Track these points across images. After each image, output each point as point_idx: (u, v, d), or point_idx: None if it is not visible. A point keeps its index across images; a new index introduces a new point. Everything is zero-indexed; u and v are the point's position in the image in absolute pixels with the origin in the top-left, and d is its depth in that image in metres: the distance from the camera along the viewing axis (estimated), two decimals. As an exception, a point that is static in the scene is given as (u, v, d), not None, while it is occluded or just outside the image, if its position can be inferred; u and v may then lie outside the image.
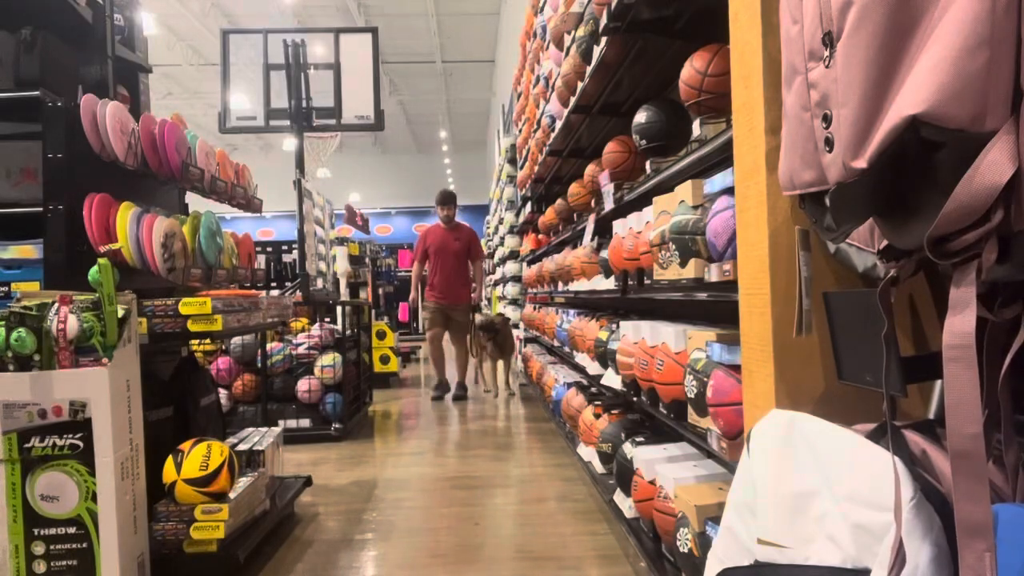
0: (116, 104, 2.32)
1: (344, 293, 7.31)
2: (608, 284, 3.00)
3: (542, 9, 4.62)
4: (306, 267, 4.95)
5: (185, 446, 2.38)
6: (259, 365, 4.70)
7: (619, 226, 2.77)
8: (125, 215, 2.32)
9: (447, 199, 6.49)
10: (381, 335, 7.59)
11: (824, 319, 1.12)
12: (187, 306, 2.34)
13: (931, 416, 1.04)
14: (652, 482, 2.21)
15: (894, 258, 0.88)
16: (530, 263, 6.80)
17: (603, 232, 3.34)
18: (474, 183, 24.66)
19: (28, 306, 1.98)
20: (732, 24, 1.36)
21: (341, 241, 7.82)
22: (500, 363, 6.65)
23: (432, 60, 17.89)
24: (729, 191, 1.61)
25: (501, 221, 10.41)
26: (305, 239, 5.01)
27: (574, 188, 3.91)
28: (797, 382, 1.21)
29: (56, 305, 2.00)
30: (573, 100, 3.40)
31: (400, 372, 8.18)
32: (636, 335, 2.45)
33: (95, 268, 2.03)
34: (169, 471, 2.32)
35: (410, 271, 6.98)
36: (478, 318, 6.60)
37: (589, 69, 2.93)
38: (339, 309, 5.81)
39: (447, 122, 23.33)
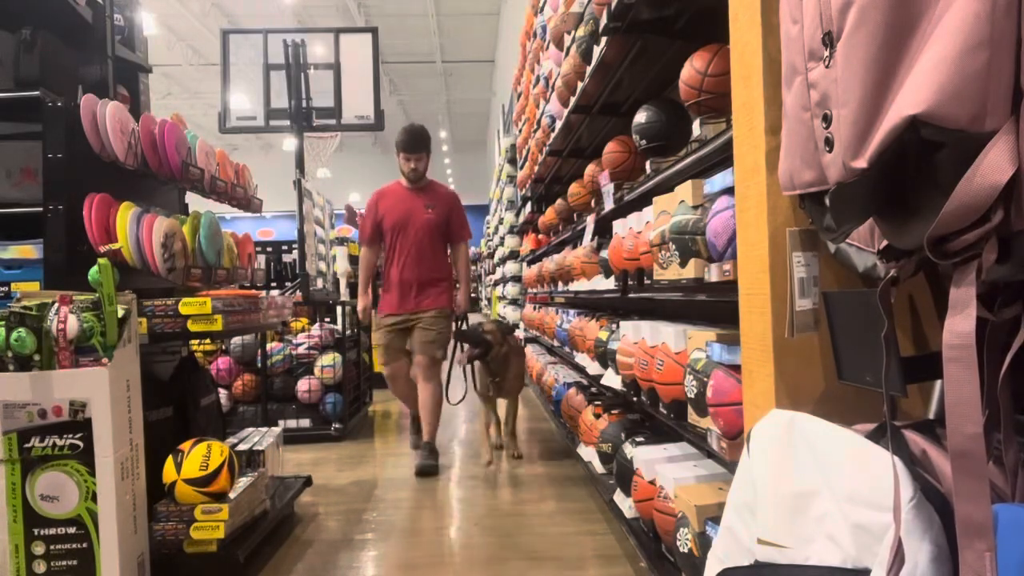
0: (116, 104, 2.32)
1: (344, 293, 7.30)
2: (608, 284, 2.99)
3: (542, 9, 4.62)
4: (306, 267, 4.95)
5: (185, 446, 2.38)
6: (259, 365, 4.70)
7: (619, 226, 2.77)
8: (125, 215, 2.32)
9: (416, 142, 3.96)
10: (381, 335, 7.56)
11: (824, 319, 1.12)
12: (187, 306, 2.33)
13: (931, 416, 1.04)
14: (652, 482, 2.21)
15: (894, 258, 0.88)
16: (530, 263, 6.79)
17: (603, 232, 3.34)
18: (474, 183, 24.66)
19: (28, 306, 1.98)
20: (732, 24, 1.36)
21: (341, 241, 7.81)
22: (502, 404, 4.26)
23: (432, 60, 17.92)
24: (729, 191, 1.61)
25: (501, 221, 10.42)
26: (305, 239, 5.01)
27: (574, 188, 3.91)
28: (797, 382, 1.21)
29: (56, 305, 2.00)
30: (573, 100, 3.40)
31: (400, 372, 8.16)
32: (636, 335, 2.45)
33: (95, 268, 2.03)
34: (169, 471, 2.32)
35: None
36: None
37: (589, 69, 2.93)
38: (339, 309, 5.81)
39: (447, 122, 23.36)
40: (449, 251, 4.19)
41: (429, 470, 3.81)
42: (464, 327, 4.07)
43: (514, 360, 4.09)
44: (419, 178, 4.03)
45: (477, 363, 4.03)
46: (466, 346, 3.97)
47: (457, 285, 4.20)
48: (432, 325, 3.91)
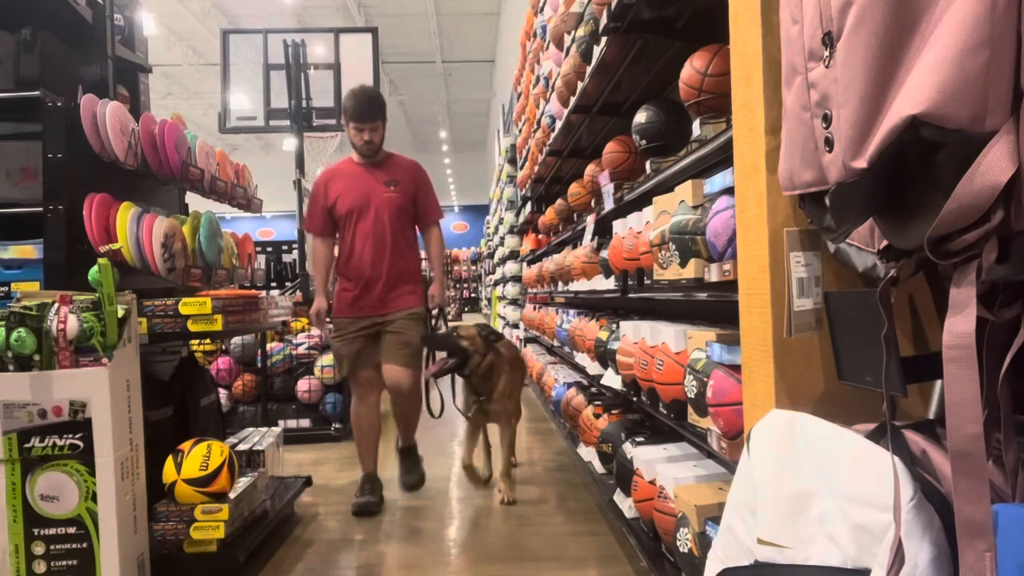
0: (116, 104, 2.32)
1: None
2: (608, 284, 2.99)
3: (542, 9, 4.62)
4: (306, 267, 4.96)
5: (185, 446, 2.38)
6: (259, 365, 4.70)
7: (619, 226, 2.77)
8: (125, 215, 2.32)
9: (369, 108, 3.21)
10: (381, 335, 7.55)
11: (824, 319, 1.12)
12: (187, 306, 2.34)
13: (931, 416, 1.04)
14: (652, 482, 2.21)
15: (894, 258, 0.88)
16: (530, 263, 6.79)
17: (603, 232, 3.34)
18: (474, 183, 24.68)
19: (28, 306, 1.98)
20: (732, 24, 1.36)
21: (341, 241, 7.79)
22: (494, 432, 3.41)
23: (432, 60, 17.91)
24: (729, 191, 1.61)
25: (501, 221, 10.43)
26: (305, 239, 5.01)
27: (574, 188, 3.91)
28: (797, 382, 1.21)
29: (56, 305, 2.00)
30: (573, 100, 3.41)
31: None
32: (636, 335, 2.45)
33: (95, 268, 2.03)
34: (169, 471, 2.32)
35: None
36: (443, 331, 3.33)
37: (589, 69, 2.93)
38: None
39: (447, 122, 23.34)
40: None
41: (417, 484, 3.30)
42: (439, 326, 3.32)
43: (503, 374, 3.26)
44: (375, 152, 3.26)
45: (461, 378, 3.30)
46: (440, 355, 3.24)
47: (426, 268, 3.52)
48: (405, 328, 3.19)
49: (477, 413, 3.31)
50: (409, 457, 3.36)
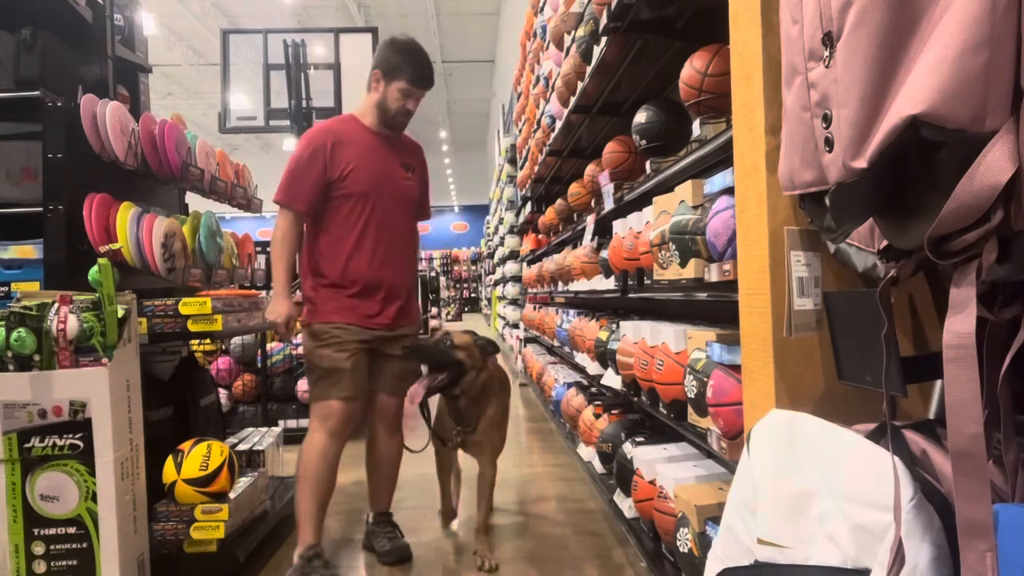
0: (116, 104, 2.32)
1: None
2: (608, 284, 2.99)
3: (542, 9, 4.62)
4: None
5: (185, 446, 2.38)
6: (259, 365, 4.70)
7: (619, 226, 2.77)
8: (125, 215, 2.32)
9: (430, 73, 2.86)
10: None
11: (824, 319, 1.12)
12: (187, 306, 2.34)
13: (931, 416, 1.04)
14: (652, 482, 2.21)
15: (894, 258, 0.88)
16: (530, 263, 6.79)
17: (603, 232, 3.34)
18: (474, 183, 24.68)
19: (28, 306, 1.98)
20: (732, 24, 1.36)
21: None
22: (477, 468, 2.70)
23: (432, 60, 17.92)
24: (729, 191, 1.61)
25: (501, 221, 10.42)
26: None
27: (574, 188, 3.91)
28: (797, 382, 1.21)
29: (56, 305, 2.00)
30: (573, 100, 3.41)
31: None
32: (636, 335, 2.45)
33: (95, 268, 2.03)
34: (169, 471, 2.32)
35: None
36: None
37: (589, 69, 2.93)
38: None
39: (447, 122, 23.33)
40: None
41: (405, 552, 2.65)
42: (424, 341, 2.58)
43: (493, 396, 2.61)
44: (405, 126, 2.69)
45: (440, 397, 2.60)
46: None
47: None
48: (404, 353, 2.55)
49: (454, 440, 2.65)
50: (391, 524, 2.76)
